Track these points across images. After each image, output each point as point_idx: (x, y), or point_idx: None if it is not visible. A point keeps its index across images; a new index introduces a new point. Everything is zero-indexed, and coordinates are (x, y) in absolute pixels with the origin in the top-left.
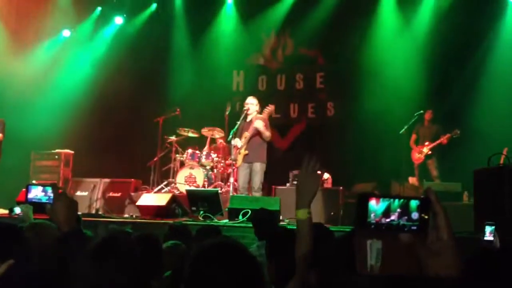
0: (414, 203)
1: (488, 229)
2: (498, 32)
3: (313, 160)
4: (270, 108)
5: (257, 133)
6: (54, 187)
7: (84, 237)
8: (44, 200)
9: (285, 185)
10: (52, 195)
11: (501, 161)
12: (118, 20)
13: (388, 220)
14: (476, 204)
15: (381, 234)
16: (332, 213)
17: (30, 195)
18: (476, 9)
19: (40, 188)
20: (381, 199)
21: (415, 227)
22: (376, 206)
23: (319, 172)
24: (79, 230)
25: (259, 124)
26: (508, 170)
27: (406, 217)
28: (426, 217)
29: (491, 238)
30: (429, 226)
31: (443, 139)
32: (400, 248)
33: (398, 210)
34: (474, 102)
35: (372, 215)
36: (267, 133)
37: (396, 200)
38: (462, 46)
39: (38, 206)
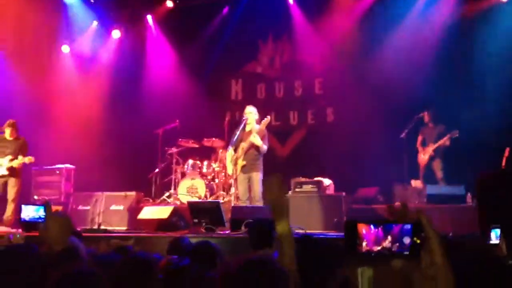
0: (405, 228)
1: (494, 232)
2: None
3: (274, 177)
4: (267, 119)
5: (254, 146)
6: (47, 206)
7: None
8: (37, 219)
9: (287, 192)
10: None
11: (503, 163)
12: (116, 33)
13: (379, 248)
14: (479, 207)
15: (372, 261)
16: (335, 220)
17: (22, 215)
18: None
19: (33, 207)
20: (371, 226)
21: (407, 252)
22: (367, 233)
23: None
24: (72, 249)
25: (255, 139)
26: (510, 173)
27: (397, 244)
28: (418, 241)
29: (497, 242)
30: (423, 251)
31: (445, 140)
32: (393, 275)
33: (389, 237)
34: (476, 101)
35: (364, 243)
36: (264, 147)
37: (387, 226)
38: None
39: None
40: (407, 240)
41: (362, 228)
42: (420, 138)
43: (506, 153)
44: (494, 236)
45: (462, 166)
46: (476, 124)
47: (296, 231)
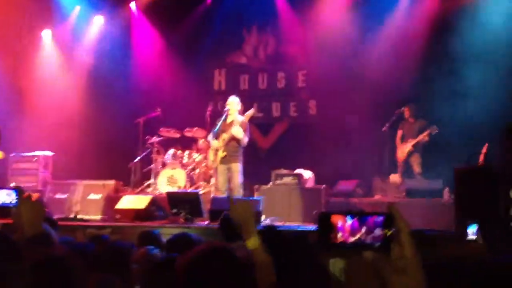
0: (377, 220)
1: (471, 228)
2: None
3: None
4: (250, 112)
5: (235, 138)
6: (19, 191)
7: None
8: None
9: (267, 184)
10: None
11: (481, 159)
12: (99, 19)
13: (354, 238)
14: (456, 202)
15: (346, 253)
16: (314, 212)
17: None
18: None
19: (5, 191)
20: (347, 218)
21: (378, 244)
22: (342, 225)
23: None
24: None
25: (238, 132)
26: (488, 168)
27: (371, 235)
28: (389, 233)
29: (474, 237)
30: (393, 243)
31: (424, 136)
32: (364, 266)
33: (364, 228)
34: (455, 96)
35: (339, 235)
36: (245, 140)
37: (362, 218)
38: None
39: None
40: (378, 231)
41: (338, 220)
42: (399, 133)
43: (484, 149)
44: (471, 232)
45: (441, 161)
46: (455, 119)
47: (276, 223)
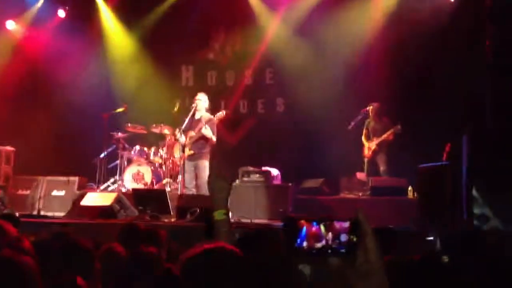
0: (343, 225)
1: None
2: None
3: (221, 166)
4: (222, 114)
5: (204, 137)
6: None
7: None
8: None
9: (234, 181)
10: None
11: (444, 158)
12: (61, 13)
13: (320, 244)
14: (418, 200)
15: (311, 258)
16: (280, 210)
17: None
18: None
19: None
20: (313, 223)
21: (343, 250)
22: (308, 230)
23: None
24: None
25: (207, 131)
26: (450, 168)
27: (337, 241)
28: (355, 239)
29: (432, 238)
30: (358, 248)
31: (388, 135)
32: (330, 272)
33: (330, 234)
34: (418, 96)
35: (304, 242)
36: (213, 140)
37: (328, 223)
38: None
39: None
40: (344, 237)
41: (304, 225)
42: (365, 132)
43: (447, 148)
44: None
45: (405, 160)
46: (419, 119)
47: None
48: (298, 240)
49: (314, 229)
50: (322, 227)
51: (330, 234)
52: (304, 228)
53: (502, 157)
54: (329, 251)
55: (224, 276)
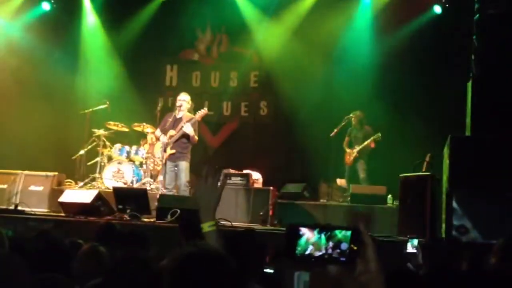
0: (344, 234)
1: (411, 242)
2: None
3: (212, 172)
4: (204, 111)
5: (185, 135)
6: None
7: None
8: None
9: (223, 188)
10: None
11: (424, 169)
12: (45, 6)
13: (320, 252)
14: (400, 210)
15: (310, 266)
16: (261, 213)
17: None
18: None
19: None
20: (314, 231)
21: (344, 259)
22: (309, 239)
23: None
24: None
25: (189, 129)
26: (430, 178)
27: (338, 250)
28: (356, 248)
29: (414, 251)
30: (358, 258)
31: (369, 143)
32: (328, 281)
33: (331, 242)
34: (399, 105)
35: (306, 248)
36: (195, 138)
37: (330, 232)
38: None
39: None
40: (344, 246)
41: (305, 233)
42: (347, 139)
43: (427, 158)
44: (411, 246)
45: (385, 168)
46: (400, 128)
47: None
48: (298, 248)
49: (314, 237)
50: (322, 235)
51: (330, 243)
52: (305, 236)
53: (483, 168)
54: (329, 259)
55: (210, 280)
